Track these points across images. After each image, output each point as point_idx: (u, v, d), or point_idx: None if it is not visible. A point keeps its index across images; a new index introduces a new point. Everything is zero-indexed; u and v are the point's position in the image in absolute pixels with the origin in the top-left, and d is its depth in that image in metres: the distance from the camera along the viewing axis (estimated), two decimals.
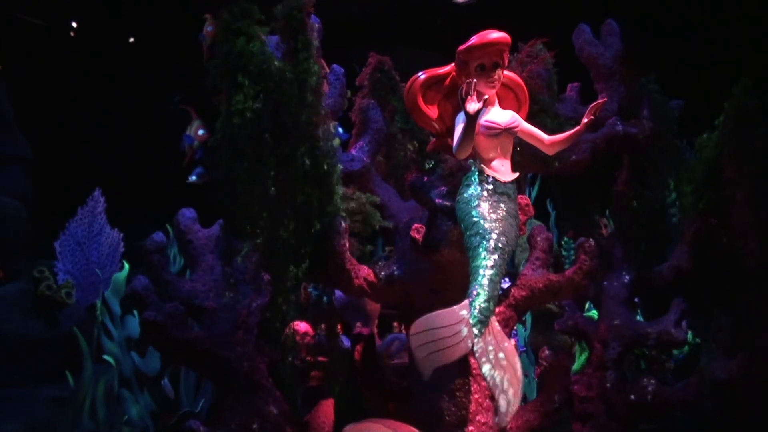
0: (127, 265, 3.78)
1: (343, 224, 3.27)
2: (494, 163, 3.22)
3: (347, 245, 3.29)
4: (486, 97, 3.01)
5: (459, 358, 2.82)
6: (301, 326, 3.83)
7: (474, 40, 3.18)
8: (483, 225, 3.05)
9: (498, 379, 2.81)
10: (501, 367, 2.83)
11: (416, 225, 3.33)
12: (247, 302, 3.19)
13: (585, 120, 3.14)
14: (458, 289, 3.32)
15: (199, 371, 3.24)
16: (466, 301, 2.89)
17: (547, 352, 3.78)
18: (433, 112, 3.30)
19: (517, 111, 3.42)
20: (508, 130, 3.22)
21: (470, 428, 3.37)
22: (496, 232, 3.04)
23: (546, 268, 3.64)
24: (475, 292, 2.91)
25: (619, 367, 3.71)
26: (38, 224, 4.48)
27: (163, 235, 3.26)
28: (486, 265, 2.97)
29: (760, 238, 3.39)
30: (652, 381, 3.64)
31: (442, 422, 3.37)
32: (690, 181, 3.80)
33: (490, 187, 3.16)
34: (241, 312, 3.18)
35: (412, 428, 3.04)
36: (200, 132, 4.39)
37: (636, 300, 4.06)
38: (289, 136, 3.01)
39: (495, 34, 3.17)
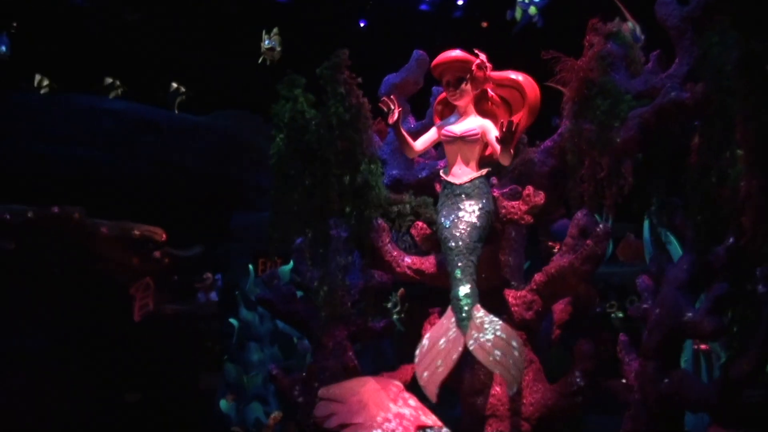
0: (293, 262, 5.25)
1: (381, 224, 4.11)
2: (454, 168, 3.65)
3: (386, 240, 4.09)
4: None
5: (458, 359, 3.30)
6: None
7: (434, 60, 3.69)
8: (442, 231, 3.54)
9: (492, 361, 3.28)
10: (493, 349, 3.30)
11: (418, 222, 3.92)
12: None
13: (497, 135, 3.30)
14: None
15: (302, 332, 4.54)
16: (447, 311, 3.41)
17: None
18: None
19: (522, 107, 3.69)
20: (463, 139, 3.58)
21: None
22: (454, 236, 3.46)
23: (573, 253, 3.67)
24: (453, 297, 3.40)
25: (660, 356, 3.41)
26: None
27: (302, 239, 4.62)
28: (453, 272, 3.44)
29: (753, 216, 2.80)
30: (681, 374, 3.27)
31: None
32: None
33: (447, 191, 3.60)
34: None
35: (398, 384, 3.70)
36: None
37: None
38: (320, 163, 4.08)
39: (451, 54, 3.62)
